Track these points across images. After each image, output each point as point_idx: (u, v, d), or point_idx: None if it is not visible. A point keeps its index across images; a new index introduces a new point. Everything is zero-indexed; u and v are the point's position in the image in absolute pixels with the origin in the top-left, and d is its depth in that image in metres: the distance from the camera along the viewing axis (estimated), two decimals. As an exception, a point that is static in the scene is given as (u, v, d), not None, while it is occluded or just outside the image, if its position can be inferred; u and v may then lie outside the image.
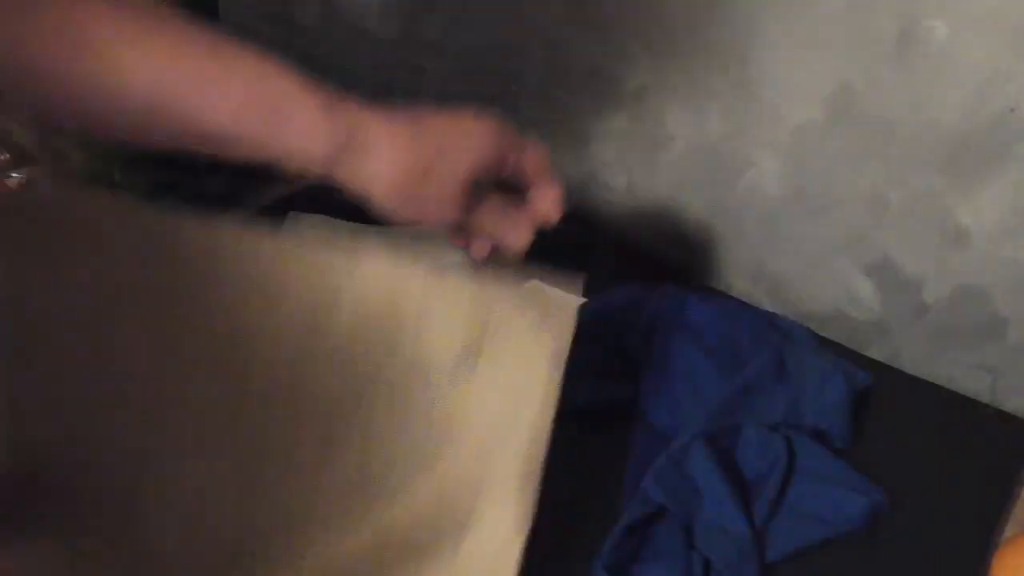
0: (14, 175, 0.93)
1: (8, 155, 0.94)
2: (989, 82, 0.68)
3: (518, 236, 0.56)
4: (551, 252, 0.57)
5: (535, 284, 0.56)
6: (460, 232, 0.57)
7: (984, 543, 0.66)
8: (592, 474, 0.68)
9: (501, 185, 0.56)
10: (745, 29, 0.77)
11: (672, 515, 0.63)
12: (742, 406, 0.69)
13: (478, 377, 0.53)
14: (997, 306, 0.76)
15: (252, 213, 0.89)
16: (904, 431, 0.73)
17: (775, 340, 0.75)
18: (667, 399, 0.71)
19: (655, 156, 0.87)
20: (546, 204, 0.56)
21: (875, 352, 0.81)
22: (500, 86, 0.94)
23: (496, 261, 0.58)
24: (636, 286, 0.79)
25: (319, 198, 0.91)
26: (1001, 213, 0.72)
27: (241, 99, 0.47)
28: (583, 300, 0.56)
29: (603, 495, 0.66)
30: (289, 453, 0.52)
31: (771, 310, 0.84)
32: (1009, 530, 0.68)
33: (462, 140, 0.52)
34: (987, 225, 0.73)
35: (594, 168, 0.92)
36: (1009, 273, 0.74)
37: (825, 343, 0.80)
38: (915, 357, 0.81)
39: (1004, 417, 0.75)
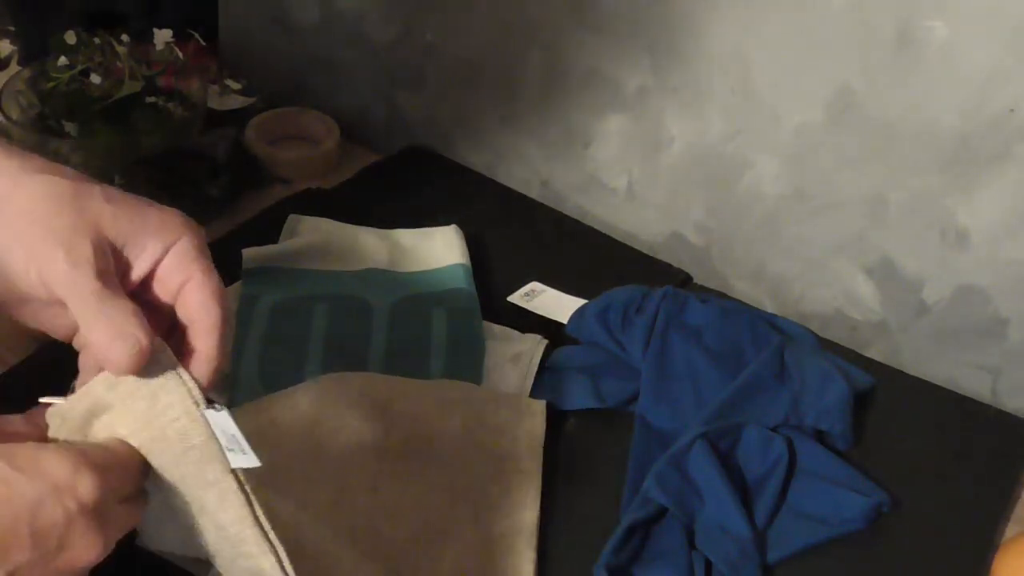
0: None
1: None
2: (989, 82, 0.68)
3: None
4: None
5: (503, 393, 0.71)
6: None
7: (984, 543, 0.66)
8: (592, 474, 0.68)
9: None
10: (745, 29, 0.77)
11: (673, 516, 0.63)
12: (742, 406, 0.69)
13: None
14: (997, 306, 0.76)
15: (252, 215, 0.89)
16: (904, 431, 0.73)
17: (775, 340, 0.75)
18: (667, 399, 0.71)
19: (655, 156, 0.87)
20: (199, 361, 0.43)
21: (875, 352, 0.81)
22: (500, 87, 0.94)
23: None
24: (636, 286, 0.79)
25: (318, 200, 0.92)
26: (1001, 213, 0.72)
27: None
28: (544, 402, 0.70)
29: (603, 495, 0.66)
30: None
31: (771, 310, 0.84)
32: (1009, 530, 0.68)
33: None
34: (987, 225, 0.73)
35: (594, 168, 0.92)
36: (1009, 273, 0.74)
37: (825, 343, 0.80)
38: (915, 357, 0.81)
39: (1004, 417, 0.75)
